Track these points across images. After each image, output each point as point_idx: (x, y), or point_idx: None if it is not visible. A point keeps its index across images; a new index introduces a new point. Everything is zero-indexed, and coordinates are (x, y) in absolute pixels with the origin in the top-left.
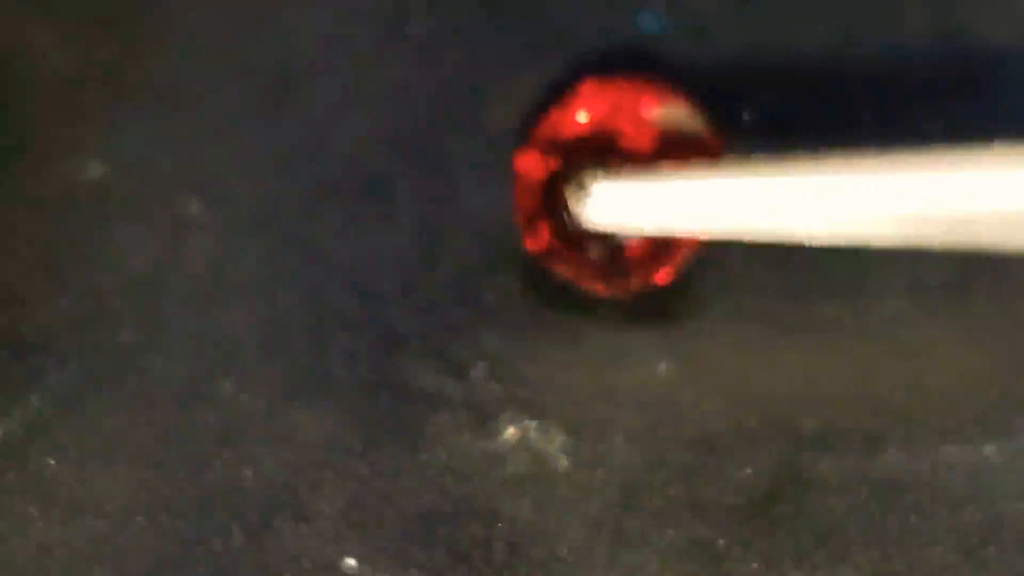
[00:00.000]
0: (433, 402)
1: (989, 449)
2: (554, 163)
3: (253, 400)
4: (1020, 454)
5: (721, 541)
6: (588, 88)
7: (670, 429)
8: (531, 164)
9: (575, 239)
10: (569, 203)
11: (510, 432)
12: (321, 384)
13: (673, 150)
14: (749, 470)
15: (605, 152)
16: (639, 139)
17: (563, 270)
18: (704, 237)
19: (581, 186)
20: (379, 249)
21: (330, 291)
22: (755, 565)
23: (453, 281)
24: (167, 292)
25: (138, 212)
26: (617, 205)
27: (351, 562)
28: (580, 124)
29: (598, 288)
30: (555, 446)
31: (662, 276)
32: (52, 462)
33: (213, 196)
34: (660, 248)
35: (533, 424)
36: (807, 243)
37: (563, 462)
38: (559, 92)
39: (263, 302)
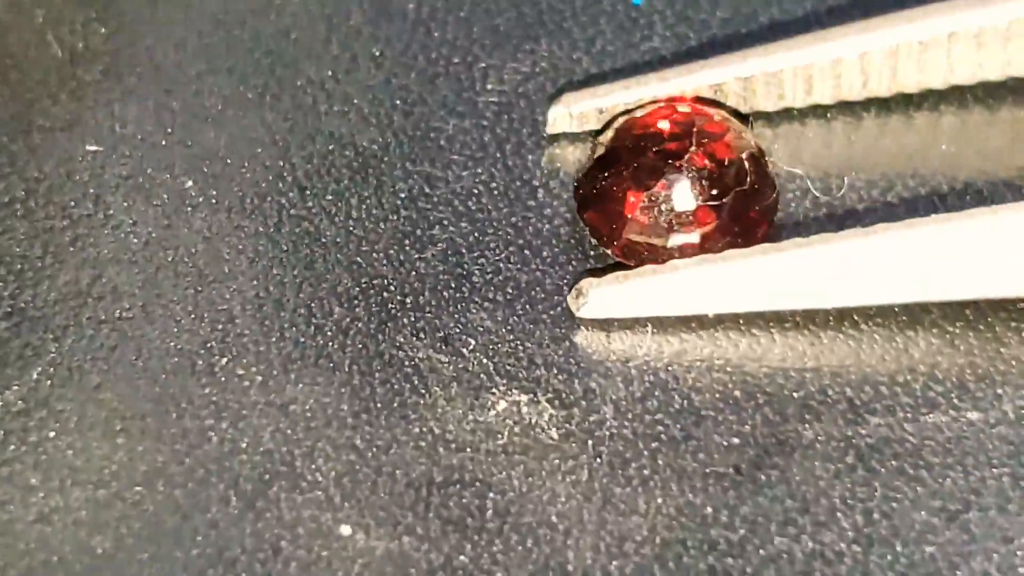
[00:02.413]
0: (425, 376)
1: (973, 416)
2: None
3: (249, 373)
4: (1002, 421)
5: (708, 508)
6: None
7: (658, 400)
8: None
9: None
10: (569, 304)
11: (501, 405)
12: (316, 357)
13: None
14: (735, 439)
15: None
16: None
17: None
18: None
19: (579, 292)
20: (371, 226)
21: (323, 267)
22: (742, 531)
23: (444, 257)
24: (164, 267)
25: (135, 189)
26: (613, 304)
27: (345, 529)
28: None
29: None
30: (545, 418)
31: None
32: (52, 433)
33: (208, 174)
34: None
35: (524, 398)
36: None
37: (553, 433)
38: None
39: (258, 278)
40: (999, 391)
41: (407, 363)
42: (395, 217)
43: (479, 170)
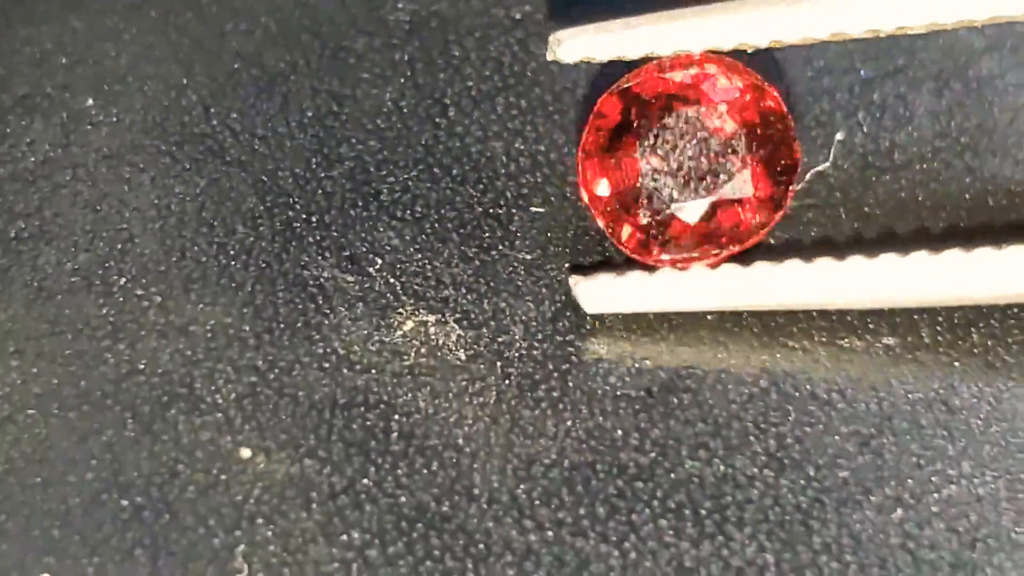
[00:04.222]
0: (330, 295)
1: (889, 341)
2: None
3: (148, 293)
4: (918, 347)
5: (618, 431)
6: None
7: (568, 321)
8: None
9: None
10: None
11: (408, 326)
12: (217, 277)
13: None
14: (648, 362)
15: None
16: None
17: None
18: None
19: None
20: (277, 143)
21: (228, 185)
22: (652, 454)
23: (351, 175)
24: (61, 187)
25: (33, 108)
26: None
27: (245, 452)
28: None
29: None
30: (453, 339)
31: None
32: None
33: (109, 92)
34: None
35: (431, 318)
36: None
37: (461, 355)
38: None
39: (159, 197)
40: (915, 316)
41: (311, 283)
42: (301, 135)
43: (388, 88)
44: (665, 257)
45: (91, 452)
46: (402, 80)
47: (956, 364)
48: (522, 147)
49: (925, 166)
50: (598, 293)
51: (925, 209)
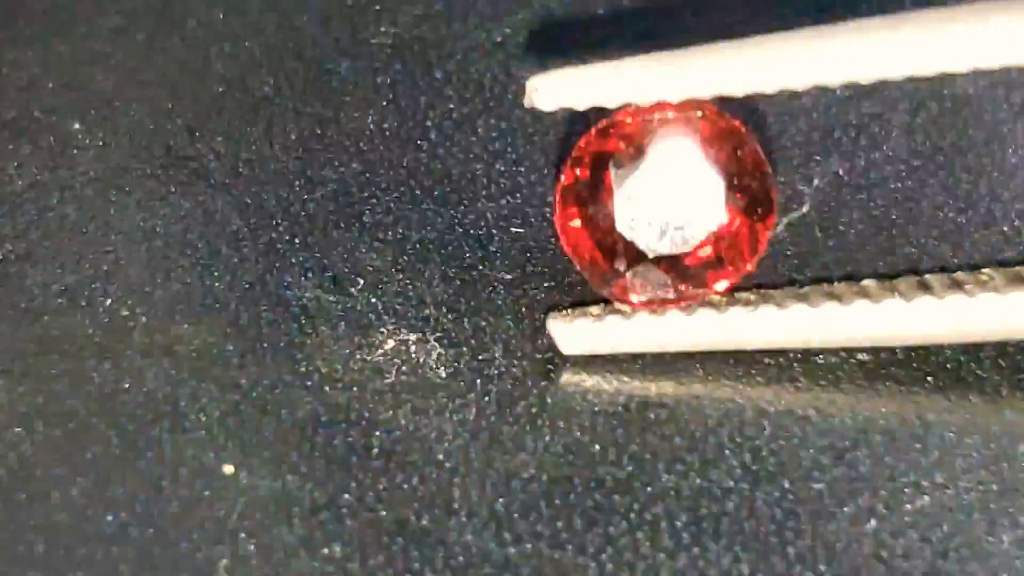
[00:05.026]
0: (313, 315)
1: (863, 357)
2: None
3: (133, 313)
4: (891, 362)
5: (596, 446)
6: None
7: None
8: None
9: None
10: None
11: (389, 344)
12: (202, 297)
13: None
14: (624, 378)
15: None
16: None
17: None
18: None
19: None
20: (261, 166)
21: (212, 207)
22: (629, 468)
23: (334, 197)
24: (48, 209)
25: (20, 132)
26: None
27: (228, 469)
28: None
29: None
30: (433, 357)
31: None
32: None
33: (95, 116)
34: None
35: (412, 337)
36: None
37: (441, 372)
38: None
39: (145, 218)
40: None
41: (294, 302)
42: (285, 158)
43: (371, 111)
44: (642, 299)
45: (76, 469)
46: (384, 103)
47: (929, 379)
48: (503, 169)
49: (900, 187)
50: (574, 336)
51: (901, 235)
